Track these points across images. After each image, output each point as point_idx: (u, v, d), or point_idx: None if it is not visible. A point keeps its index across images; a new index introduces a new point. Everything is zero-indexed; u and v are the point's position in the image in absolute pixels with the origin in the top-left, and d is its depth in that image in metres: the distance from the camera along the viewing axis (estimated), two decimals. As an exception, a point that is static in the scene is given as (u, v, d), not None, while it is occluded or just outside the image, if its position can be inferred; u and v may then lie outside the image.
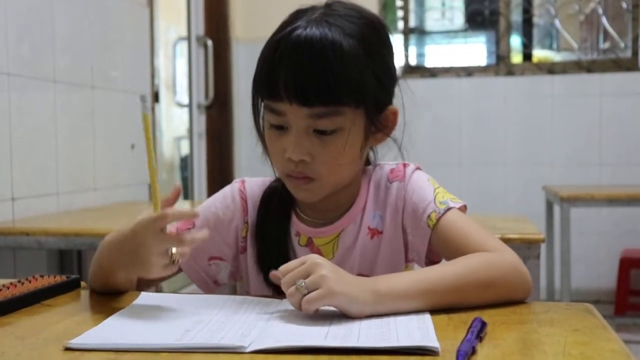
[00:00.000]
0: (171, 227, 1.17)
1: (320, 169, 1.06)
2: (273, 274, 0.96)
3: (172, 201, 1.01)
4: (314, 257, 0.93)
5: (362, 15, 1.08)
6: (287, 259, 1.09)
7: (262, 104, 1.09)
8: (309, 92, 1.01)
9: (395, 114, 1.12)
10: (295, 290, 0.90)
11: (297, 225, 1.16)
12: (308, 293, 0.89)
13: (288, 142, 1.05)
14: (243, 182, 1.22)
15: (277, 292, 1.06)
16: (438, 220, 1.09)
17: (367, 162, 1.21)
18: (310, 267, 0.91)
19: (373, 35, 1.07)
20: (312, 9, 1.08)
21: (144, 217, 0.97)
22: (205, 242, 1.15)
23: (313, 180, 1.07)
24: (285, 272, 0.93)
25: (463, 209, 1.13)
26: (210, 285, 1.20)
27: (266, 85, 1.05)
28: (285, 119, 1.05)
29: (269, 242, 1.16)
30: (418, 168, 1.18)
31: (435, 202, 1.11)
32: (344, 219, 1.15)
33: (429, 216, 1.10)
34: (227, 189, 1.22)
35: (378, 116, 1.09)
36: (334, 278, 0.90)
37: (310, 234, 1.16)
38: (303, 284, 0.89)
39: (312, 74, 1.00)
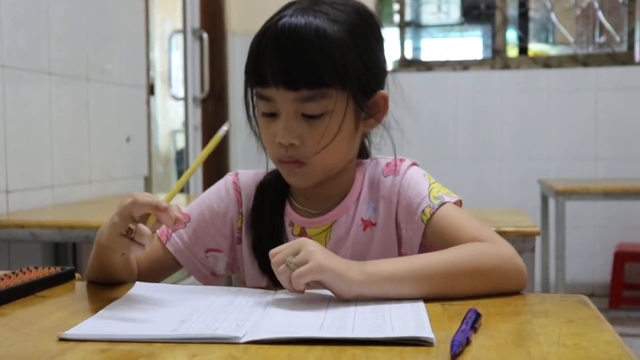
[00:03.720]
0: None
1: (310, 152, 1.08)
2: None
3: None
4: (302, 239, 0.96)
5: (348, 3, 1.11)
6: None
7: (254, 93, 1.12)
8: (293, 76, 1.04)
9: (385, 98, 1.13)
10: (285, 268, 0.92)
11: (291, 215, 1.18)
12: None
13: (278, 127, 1.07)
14: (236, 174, 1.24)
15: (272, 281, 1.09)
16: (432, 215, 1.10)
17: (365, 155, 1.22)
18: (299, 245, 0.94)
19: (359, 21, 1.10)
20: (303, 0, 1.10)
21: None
22: (202, 235, 1.18)
23: (304, 165, 1.09)
24: (275, 254, 0.95)
25: (459, 203, 1.13)
26: (208, 277, 1.22)
27: (254, 72, 1.08)
28: (275, 105, 1.07)
29: (263, 232, 1.17)
30: (414, 164, 1.18)
31: (429, 197, 1.11)
32: (336, 209, 1.16)
33: (423, 211, 1.10)
34: (220, 183, 1.24)
35: (367, 101, 1.10)
36: (322, 254, 0.93)
37: (303, 224, 1.17)
38: (292, 260, 0.92)
39: (296, 57, 1.03)
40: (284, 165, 1.11)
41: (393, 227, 1.15)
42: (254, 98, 1.13)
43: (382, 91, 1.13)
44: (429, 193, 1.12)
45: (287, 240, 1.16)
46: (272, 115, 1.09)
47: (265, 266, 1.14)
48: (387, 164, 1.17)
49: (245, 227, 1.19)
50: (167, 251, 1.18)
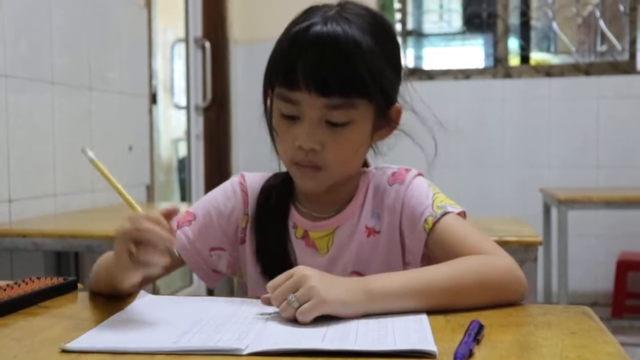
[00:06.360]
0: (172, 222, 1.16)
1: (330, 158, 1.09)
2: (263, 297, 0.96)
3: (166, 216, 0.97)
4: (301, 269, 0.93)
5: (374, 15, 1.12)
6: (284, 251, 1.15)
7: (274, 94, 1.11)
8: (330, 82, 1.03)
9: (399, 112, 1.15)
10: (287, 305, 0.90)
11: (294, 217, 1.19)
12: (300, 306, 0.89)
13: (300, 131, 1.07)
14: (243, 176, 1.25)
15: None
16: (435, 224, 1.10)
17: (365, 164, 1.23)
18: (298, 280, 0.91)
19: (386, 34, 1.12)
20: (325, 6, 1.11)
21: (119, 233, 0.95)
22: (207, 234, 1.20)
23: (320, 170, 1.10)
24: (273, 287, 0.93)
25: (462, 214, 1.14)
26: (210, 274, 1.23)
27: (284, 74, 1.07)
28: (299, 108, 1.07)
29: (267, 233, 1.18)
30: (420, 174, 1.20)
31: (432, 207, 1.12)
32: (340, 215, 1.17)
33: (425, 220, 1.11)
34: (227, 183, 1.25)
35: (386, 112, 1.12)
36: (324, 287, 0.90)
37: (306, 227, 1.18)
38: (293, 298, 0.90)
39: (334, 64, 1.03)
40: (299, 168, 1.11)
41: (397, 235, 1.16)
42: (270, 100, 1.13)
43: (397, 104, 1.15)
44: (433, 202, 1.13)
45: (290, 243, 1.17)
46: (292, 118, 1.09)
47: (267, 269, 1.16)
48: (393, 173, 1.19)
49: (249, 230, 1.21)
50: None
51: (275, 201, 1.19)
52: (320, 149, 1.08)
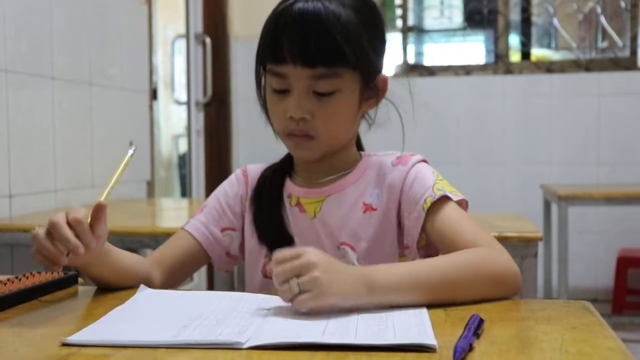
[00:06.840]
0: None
1: (319, 126, 1.14)
2: (268, 268, 0.96)
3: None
4: (309, 254, 0.91)
5: None
6: (279, 217, 1.22)
7: (265, 71, 1.17)
8: (312, 53, 1.09)
9: (385, 81, 1.21)
10: (287, 288, 0.90)
11: (290, 189, 1.25)
12: (300, 292, 0.89)
13: (290, 103, 1.13)
14: (245, 167, 1.34)
15: (270, 251, 1.18)
16: (433, 204, 1.13)
17: (361, 149, 1.29)
18: (304, 265, 0.90)
19: (367, 8, 1.17)
20: None
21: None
22: (217, 215, 1.28)
23: (312, 139, 1.15)
24: (278, 261, 0.92)
25: (463, 203, 1.16)
26: (224, 259, 1.28)
27: (271, 50, 1.13)
28: (288, 81, 1.13)
29: (262, 204, 1.25)
30: (424, 160, 1.23)
31: (433, 189, 1.15)
32: (332, 186, 1.22)
33: (425, 200, 1.14)
34: (231, 175, 1.33)
35: (371, 82, 1.18)
36: (326, 280, 0.89)
37: (299, 194, 1.23)
38: (295, 284, 0.89)
39: (315, 37, 1.09)
40: (292, 138, 1.17)
41: (394, 215, 1.19)
42: (263, 77, 1.19)
43: (383, 74, 1.20)
44: (433, 185, 1.16)
45: (285, 211, 1.23)
46: (283, 92, 1.14)
47: (264, 237, 1.23)
48: (398, 157, 1.23)
49: (249, 204, 1.27)
50: (188, 234, 1.25)
51: (272, 177, 1.26)
52: (310, 118, 1.13)
